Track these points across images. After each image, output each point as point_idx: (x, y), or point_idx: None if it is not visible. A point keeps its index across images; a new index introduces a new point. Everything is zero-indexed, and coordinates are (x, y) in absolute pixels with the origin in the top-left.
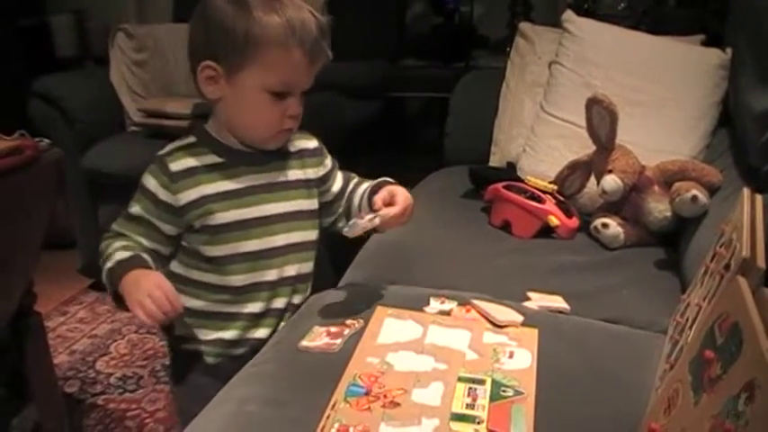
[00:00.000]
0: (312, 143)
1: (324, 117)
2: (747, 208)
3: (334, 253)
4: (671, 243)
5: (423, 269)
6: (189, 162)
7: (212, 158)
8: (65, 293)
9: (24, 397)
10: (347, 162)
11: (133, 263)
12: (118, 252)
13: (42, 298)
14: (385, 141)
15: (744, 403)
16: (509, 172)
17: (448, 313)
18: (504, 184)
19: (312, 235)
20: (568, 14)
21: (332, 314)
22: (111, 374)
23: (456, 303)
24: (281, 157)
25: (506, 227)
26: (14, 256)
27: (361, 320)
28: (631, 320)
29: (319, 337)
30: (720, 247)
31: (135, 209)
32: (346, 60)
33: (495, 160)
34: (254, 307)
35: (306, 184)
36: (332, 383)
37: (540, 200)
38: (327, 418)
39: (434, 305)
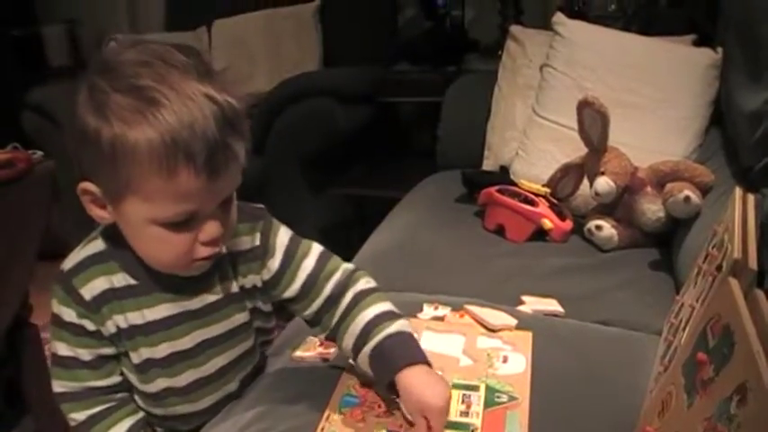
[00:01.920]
0: (252, 240)
1: (318, 123)
2: (739, 208)
3: None
4: (665, 244)
5: (416, 274)
6: (100, 284)
7: (124, 279)
8: None
9: (22, 408)
10: (342, 168)
11: None
12: None
13: (38, 309)
14: (379, 146)
15: (736, 406)
16: (502, 176)
17: (441, 319)
18: (497, 187)
19: (252, 340)
20: (559, 17)
21: None
22: None
23: (449, 309)
24: (211, 268)
25: (500, 231)
26: (10, 268)
27: None
28: (626, 322)
29: (313, 347)
30: (713, 247)
31: (65, 351)
32: (339, 66)
33: (488, 164)
34: (188, 426)
35: (244, 294)
36: (326, 394)
37: (533, 203)
38: (322, 429)
39: (428, 311)
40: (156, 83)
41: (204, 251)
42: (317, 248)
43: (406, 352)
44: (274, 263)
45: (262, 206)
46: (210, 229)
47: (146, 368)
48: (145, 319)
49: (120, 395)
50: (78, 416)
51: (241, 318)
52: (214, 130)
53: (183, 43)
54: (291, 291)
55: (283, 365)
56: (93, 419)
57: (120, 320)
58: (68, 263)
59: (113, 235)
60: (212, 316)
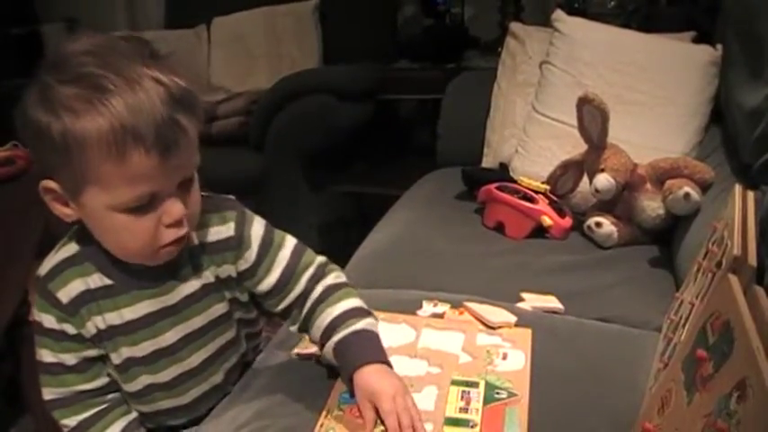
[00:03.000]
0: (226, 230)
1: (317, 120)
2: (739, 204)
3: (329, 255)
4: (664, 241)
5: (416, 272)
6: (77, 286)
7: (100, 279)
8: None
9: (21, 406)
10: (341, 165)
11: None
12: None
13: None
14: (379, 144)
15: (736, 402)
16: (502, 173)
17: (441, 316)
18: (496, 185)
19: (234, 330)
20: (558, 14)
21: None
22: None
23: (449, 306)
24: (184, 260)
25: (500, 228)
26: (9, 266)
27: None
28: (625, 319)
29: (311, 345)
30: (712, 244)
31: (50, 357)
32: (339, 63)
33: (488, 161)
34: (172, 422)
35: (221, 284)
36: (325, 391)
37: (532, 200)
38: (321, 426)
39: (427, 308)
40: (101, 69)
41: (169, 234)
42: (291, 240)
43: (368, 350)
44: (251, 254)
45: (232, 197)
46: (172, 209)
47: (127, 367)
48: (123, 318)
49: (110, 396)
50: (69, 422)
51: (220, 308)
52: (161, 109)
53: (131, 34)
54: (267, 283)
55: (281, 363)
56: (84, 424)
57: (99, 321)
58: (43, 269)
59: (86, 236)
60: (191, 309)
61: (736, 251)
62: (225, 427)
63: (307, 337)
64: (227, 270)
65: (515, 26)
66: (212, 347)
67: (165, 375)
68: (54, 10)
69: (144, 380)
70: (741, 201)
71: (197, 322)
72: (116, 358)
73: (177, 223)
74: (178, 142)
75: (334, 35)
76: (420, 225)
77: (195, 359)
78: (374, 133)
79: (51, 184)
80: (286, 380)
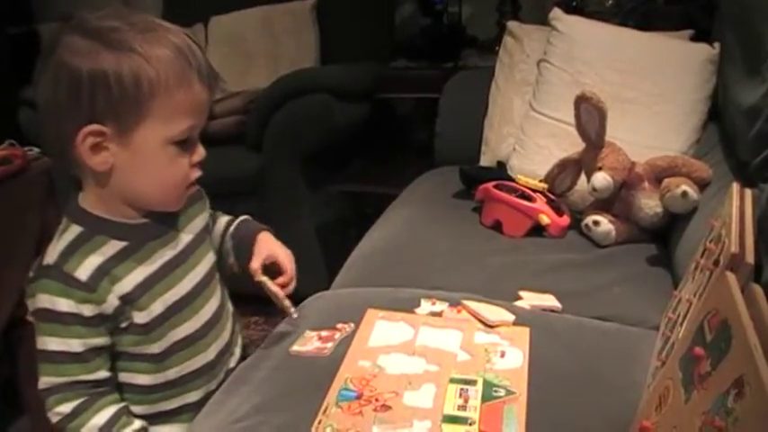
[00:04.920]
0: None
1: (315, 120)
2: (736, 202)
3: (328, 254)
4: (662, 239)
5: (414, 270)
6: (93, 260)
7: (115, 245)
8: None
9: (18, 408)
10: (339, 165)
11: None
12: None
13: None
14: (377, 143)
15: (733, 400)
16: (499, 171)
17: (439, 314)
18: (494, 183)
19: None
20: (556, 12)
21: (323, 318)
22: None
23: (447, 304)
24: (180, 211)
25: (497, 226)
26: (6, 266)
27: (352, 324)
28: (623, 317)
29: (310, 342)
30: (710, 242)
31: (56, 344)
32: (337, 63)
33: (486, 160)
34: (195, 395)
35: (206, 231)
36: (323, 388)
37: (530, 199)
38: (319, 423)
39: (425, 306)
40: (138, 19)
41: (194, 174)
42: None
43: (261, 225)
44: (208, 202)
45: None
46: (200, 150)
47: (153, 327)
48: (146, 271)
49: (103, 388)
50: (64, 408)
51: (211, 258)
52: (199, 50)
53: None
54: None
55: (280, 359)
56: (78, 409)
57: (123, 286)
58: (50, 257)
59: (85, 215)
60: (194, 256)
61: (734, 249)
62: (223, 420)
63: (305, 334)
64: (204, 219)
65: (513, 25)
66: (217, 298)
67: (189, 327)
68: (51, 9)
69: (170, 336)
70: (739, 198)
71: (201, 269)
72: (145, 317)
73: (200, 164)
74: (215, 80)
75: (332, 34)
76: (418, 224)
77: (209, 308)
78: (372, 132)
79: (100, 127)
80: (284, 376)
